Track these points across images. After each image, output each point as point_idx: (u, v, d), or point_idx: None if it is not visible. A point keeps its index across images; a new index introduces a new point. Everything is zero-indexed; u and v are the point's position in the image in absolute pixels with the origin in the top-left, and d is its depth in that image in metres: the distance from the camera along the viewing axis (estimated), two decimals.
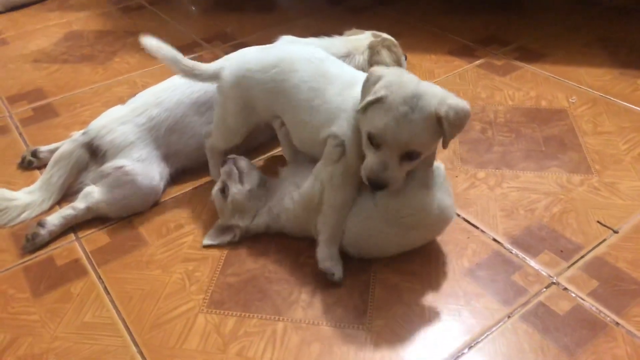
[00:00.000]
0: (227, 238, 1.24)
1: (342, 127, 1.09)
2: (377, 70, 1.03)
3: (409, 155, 0.99)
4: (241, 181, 1.23)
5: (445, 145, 1.00)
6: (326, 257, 1.12)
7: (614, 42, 1.98)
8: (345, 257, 1.16)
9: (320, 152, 1.13)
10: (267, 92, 1.20)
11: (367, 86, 1.02)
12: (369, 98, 0.98)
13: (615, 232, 1.20)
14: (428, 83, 1.01)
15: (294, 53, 1.21)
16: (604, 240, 1.19)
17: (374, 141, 0.99)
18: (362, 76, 1.08)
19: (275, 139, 1.37)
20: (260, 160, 1.50)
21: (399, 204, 1.07)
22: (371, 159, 1.01)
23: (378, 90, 0.97)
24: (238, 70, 1.24)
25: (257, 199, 1.23)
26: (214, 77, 1.27)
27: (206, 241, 1.24)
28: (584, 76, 1.79)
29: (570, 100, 1.68)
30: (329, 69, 1.16)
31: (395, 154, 0.98)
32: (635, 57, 1.88)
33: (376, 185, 1.01)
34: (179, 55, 1.25)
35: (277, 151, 1.52)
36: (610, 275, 1.11)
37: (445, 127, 0.96)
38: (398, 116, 0.95)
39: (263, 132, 1.47)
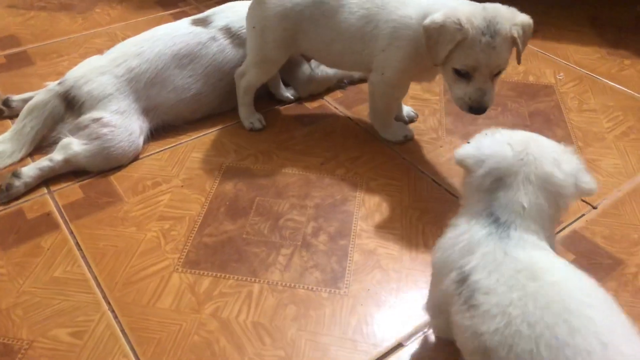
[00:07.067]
0: None
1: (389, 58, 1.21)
2: (438, 19, 1.07)
3: (497, 74, 1.12)
4: None
5: (519, 60, 1.15)
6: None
7: (603, 22, 1.97)
8: (324, 219, 1.15)
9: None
10: (316, 25, 1.25)
11: (437, 38, 1.08)
12: (450, 46, 1.07)
13: (594, 207, 1.21)
14: (488, 5, 1.09)
15: None
16: (583, 215, 1.19)
17: (467, 75, 1.10)
18: None
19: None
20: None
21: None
22: (465, 89, 1.12)
23: (454, 35, 1.06)
24: (287, 2, 1.25)
25: None
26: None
27: None
28: (572, 54, 1.78)
29: (557, 76, 1.67)
30: None
31: (488, 77, 1.11)
32: (623, 37, 1.88)
33: (479, 110, 1.13)
34: None
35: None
36: (586, 249, 1.11)
37: (519, 45, 1.09)
38: (484, 47, 1.06)
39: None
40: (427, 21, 1.09)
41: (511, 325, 0.67)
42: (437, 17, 1.08)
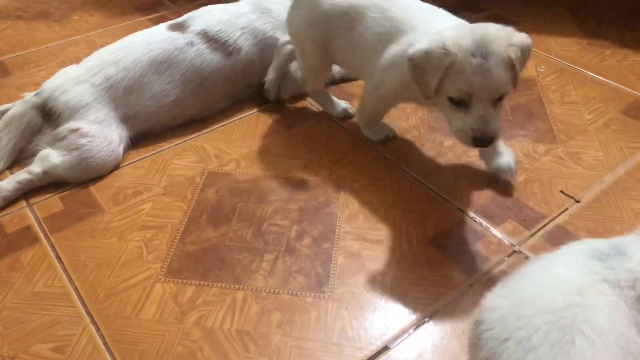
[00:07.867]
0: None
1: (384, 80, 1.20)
2: (422, 47, 1.00)
3: (499, 99, 1.01)
4: None
5: (516, 84, 1.02)
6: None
7: (584, 13, 1.97)
8: (308, 223, 1.15)
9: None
10: (339, 36, 1.26)
11: (424, 67, 1.01)
12: (439, 74, 0.98)
13: (577, 201, 1.21)
14: (477, 25, 1.02)
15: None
16: (566, 209, 1.19)
17: (463, 102, 1.00)
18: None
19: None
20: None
21: None
22: (465, 119, 1.01)
23: (442, 61, 0.97)
24: (312, 12, 1.27)
25: None
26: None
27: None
28: (552, 45, 1.78)
29: (538, 69, 1.67)
30: (394, 13, 1.16)
31: (490, 103, 1.00)
32: (603, 28, 1.88)
33: (484, 142, 1.01)
34: None
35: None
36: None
37: (517, 67, 0.99)
38: (476, 69, 0.96)
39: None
40: (411, 50, 1.01)
41: (492, 317, 0.66)
42: (420, 45, 1.00)
